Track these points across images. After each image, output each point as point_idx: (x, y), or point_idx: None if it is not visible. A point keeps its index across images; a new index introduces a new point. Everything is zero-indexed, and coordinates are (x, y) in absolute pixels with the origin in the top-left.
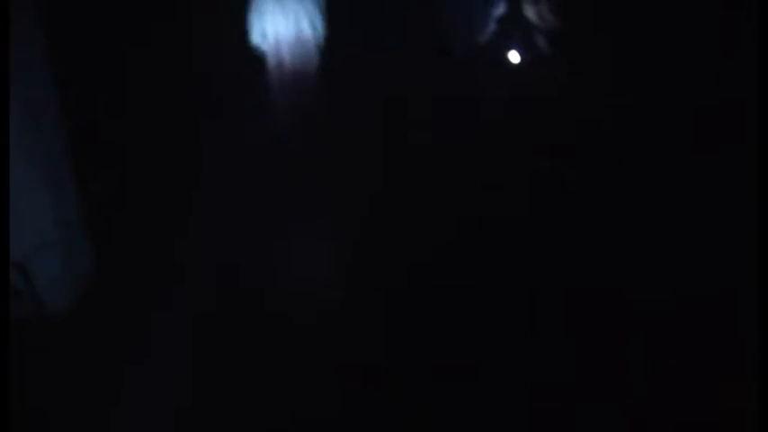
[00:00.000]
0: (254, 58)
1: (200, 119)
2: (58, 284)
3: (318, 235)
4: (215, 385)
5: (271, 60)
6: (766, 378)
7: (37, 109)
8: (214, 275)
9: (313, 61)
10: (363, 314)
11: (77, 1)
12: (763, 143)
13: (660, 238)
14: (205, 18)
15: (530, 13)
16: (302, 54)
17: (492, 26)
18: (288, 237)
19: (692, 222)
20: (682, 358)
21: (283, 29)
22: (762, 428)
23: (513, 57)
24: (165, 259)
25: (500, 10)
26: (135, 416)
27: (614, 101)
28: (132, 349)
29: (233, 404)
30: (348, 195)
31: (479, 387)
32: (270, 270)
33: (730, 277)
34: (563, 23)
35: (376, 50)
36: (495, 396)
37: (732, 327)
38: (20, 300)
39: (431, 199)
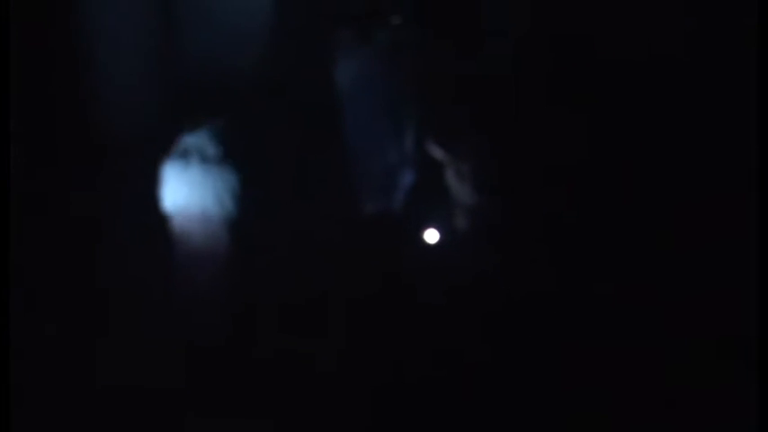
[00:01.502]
0: (154, 227)
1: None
2: None
3: None
4: None
5: (171, 231)
6: (766, 377)
7: None
8: None
9: (215, 239)
10: None
11: None
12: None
13: None
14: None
15: (451, 184)
16: (205, 230)
17: (406, 197)
18: None
19: None
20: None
21: (187, 202)
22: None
23: (431, 236)
24: None
25: (414, 178)
26: None
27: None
28: None
29: None
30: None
31: None
32: None
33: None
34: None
35: (281, 229)
36: None
37: (732, 327)
38: None
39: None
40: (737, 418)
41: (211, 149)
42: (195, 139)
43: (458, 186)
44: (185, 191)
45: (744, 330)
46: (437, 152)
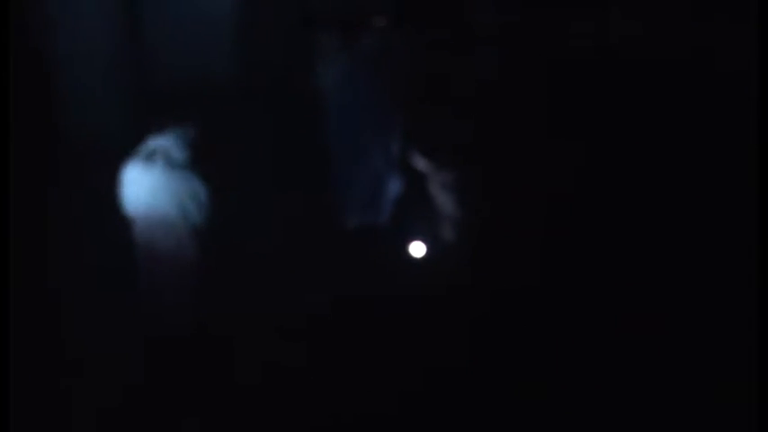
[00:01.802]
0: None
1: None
2: None
3: None
4: None
5: (133, 237)
6: (766, 378)
7: None
8: None
9: (179, 247)
10: None
11: None
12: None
13: None
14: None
15: (434, 195)
16: (164, 237)
17: (392, 208)
18: None
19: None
20: (682, 359)
21: (151, 206)
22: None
23: (418, 249)
24: None
25: (400, 190)
26: None
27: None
28: None
29: None
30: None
31: None
32: None
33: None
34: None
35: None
36: None
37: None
38: None
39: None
40: (737, 418)
41: (179, 153)
42: (162, 142)
43: (442, 197)
44: (149, 195)
45: (743, 330)
46: (421, 163)
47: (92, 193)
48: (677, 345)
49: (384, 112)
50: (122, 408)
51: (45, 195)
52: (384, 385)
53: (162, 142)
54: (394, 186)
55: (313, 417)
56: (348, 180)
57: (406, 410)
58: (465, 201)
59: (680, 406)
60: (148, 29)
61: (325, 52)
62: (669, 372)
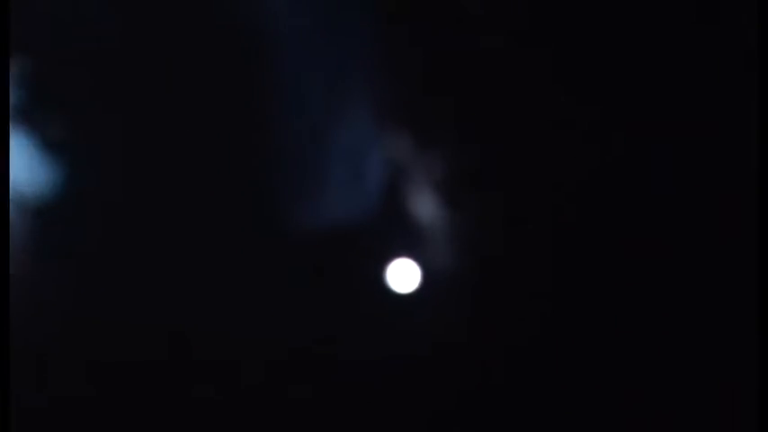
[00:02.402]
0: None
1: None
2: None
3: None
4: None
5: None
6: (766, 378)
7: None
8: None
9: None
10: None
11: None
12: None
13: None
14: None
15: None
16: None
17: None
18: None
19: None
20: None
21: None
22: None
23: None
24: None
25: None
26: None
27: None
28: None
29: None
30: None
31: None
32: None
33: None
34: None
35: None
36: None
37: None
38: None
39: None
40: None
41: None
42: None
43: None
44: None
45: (743, 331)
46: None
47: None
48: (678, 347)
49: (357, 65)
50: None
51: None
52: None
53: None
54: (374, 173)
55: None
56: (304, 160)
57: None
58: (459, 200)
59: (681, 407)
60: None
61: None
62: (671, 376)
